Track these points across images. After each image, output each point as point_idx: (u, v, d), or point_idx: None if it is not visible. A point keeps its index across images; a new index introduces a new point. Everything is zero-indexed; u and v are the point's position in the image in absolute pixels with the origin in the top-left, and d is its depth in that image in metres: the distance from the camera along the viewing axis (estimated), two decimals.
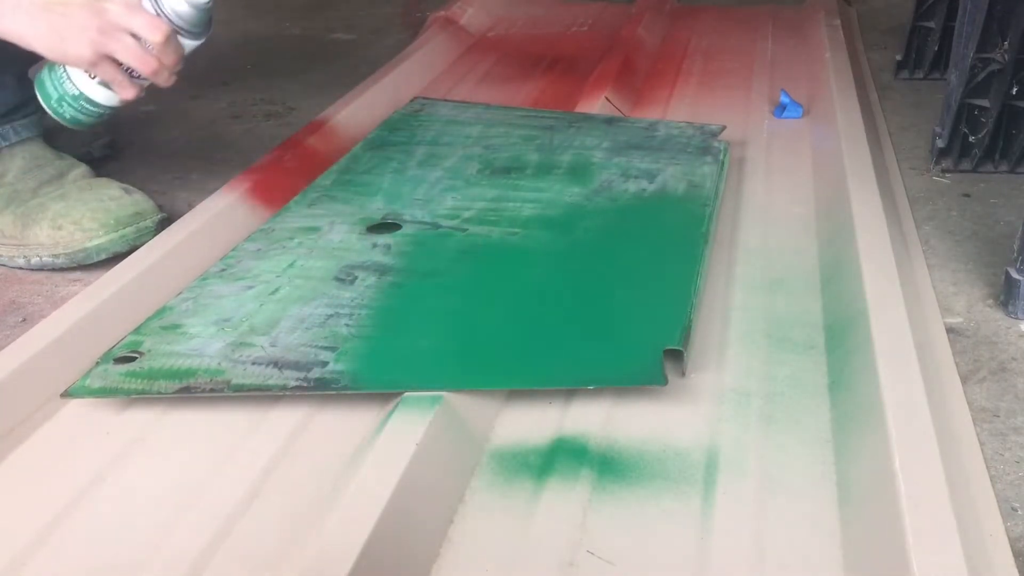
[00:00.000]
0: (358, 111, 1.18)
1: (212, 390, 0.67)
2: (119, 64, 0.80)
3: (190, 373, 0.68)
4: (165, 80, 0.83)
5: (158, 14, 0.80)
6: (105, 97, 0.85)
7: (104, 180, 0.97)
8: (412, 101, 1.21)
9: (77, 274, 0.92)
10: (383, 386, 0.67)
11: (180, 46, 0.82)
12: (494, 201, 0.92)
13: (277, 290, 0.78)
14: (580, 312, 0.74)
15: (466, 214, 0.90)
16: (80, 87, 0.84)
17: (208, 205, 0.92)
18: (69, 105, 0.85)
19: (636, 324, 0.72)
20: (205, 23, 0.84)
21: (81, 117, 0.86)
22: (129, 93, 0.83)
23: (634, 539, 0.56)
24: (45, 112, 0.87)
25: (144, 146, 1.23)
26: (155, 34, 0.79)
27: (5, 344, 0.72)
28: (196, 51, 0.85)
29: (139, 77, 0.82)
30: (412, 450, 0.58)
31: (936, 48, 1.36)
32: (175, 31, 0.81)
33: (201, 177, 1.14)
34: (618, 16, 1.69)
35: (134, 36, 0.79)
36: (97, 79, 0.83)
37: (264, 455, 0.63)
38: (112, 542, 0.56)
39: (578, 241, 0.85)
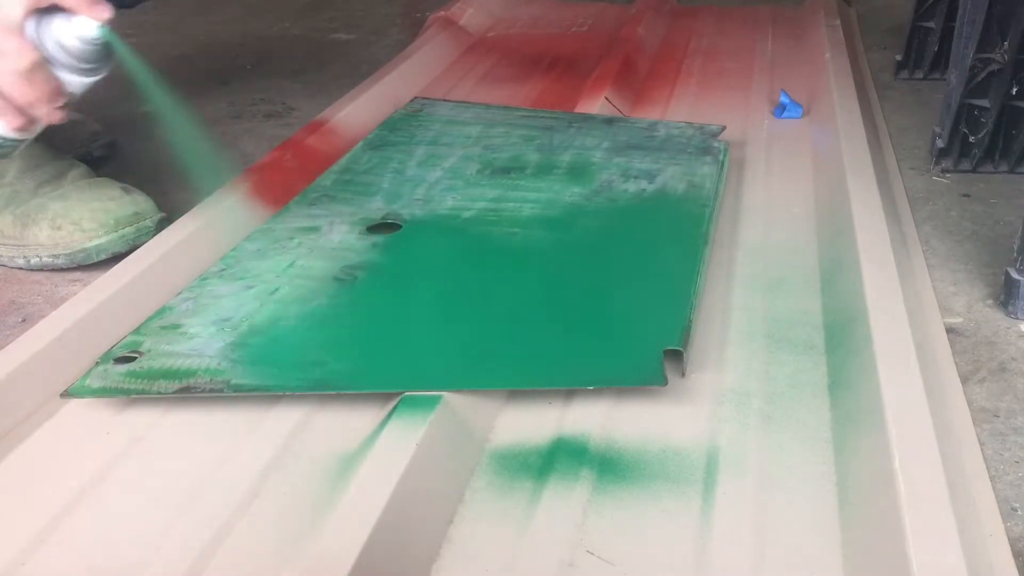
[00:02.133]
0: (358, 111, 1.18)
1: (212, 390, 0.67)
2: None
3: (190, 373, 0.68)
4: (43, 114, 0.77)
5: (36, 45, 0.74)
6: None
7: (104, 180, 0.97)
8: (412, 101, 1.22)
9: (77, 274, 0.92)
10: (383, 386, 0.67)
11: (52, 78, 0.76)
12: (494, 201, 0.92)
13: (277, 290, 0.78)
14: (580, 312, 0.74)
15: (466, 214, 0.90)
16: None
17: (208, 205, 0.92)
18: None
19: (636, 324, 0.72)
20: (97, 58, 0.77)
21: None
22: (12, 121, 0.77)
23: (634, 539, 0.56)
24: None
25: (144, 146, 1.23)
26: (19, 60, 0.73)
27: (5, 344, 0.72)
28: (92, 86, 0.79)
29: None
30: (412, 450, 0.58)
31: (936, 48, 1.36)
32: (49, 62, 0.75)
33: None
34: (618, 16, 1.69)
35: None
36: None
37: (264, 455, 0.63)
38: (112, 542, 0.57)
39: (578, 241, 0.85)
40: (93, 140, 1.16)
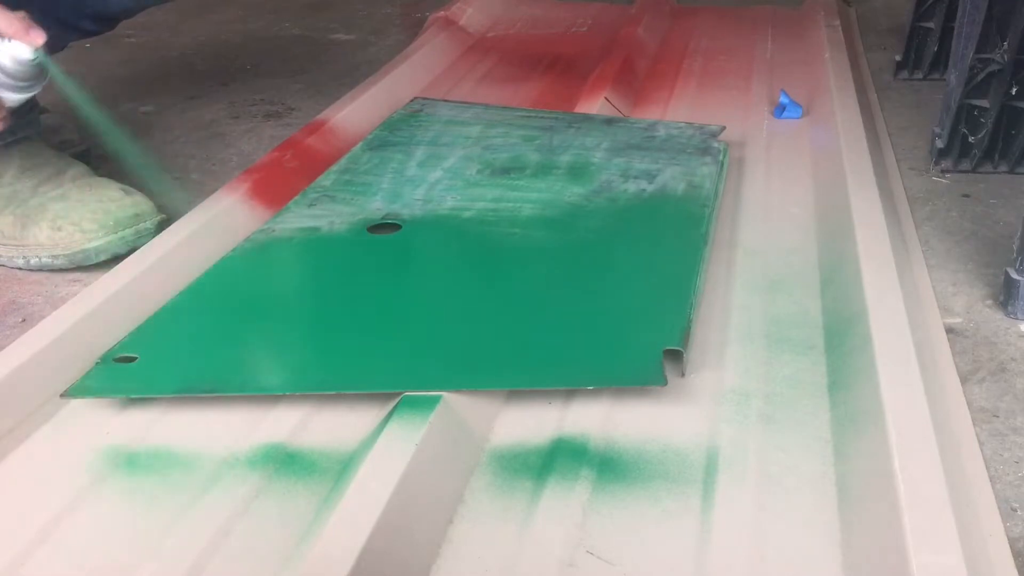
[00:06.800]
0: (358, 111, 1.18)
1: (212, 390, 0.67)
2: None
3: (190, 373, 0.68)
4: None
5: None
6: None
7: (104, 180, 0.97)
8: (412, 101, 1.22)
9: (76, 274, 0.92)
10: (383, 386, 0.67)
11: None
12: (494, 201, 0.92)
13: (277, 290, 0.78)
14: (580, 312, 0.74)
15: (466, 214, 0.90)
16: None
17: (208, 205, 0.92)
18: None
19: (636, 324, 0.72)
20: (30, 77, 0.80)
21: None
22: None
23: (634, 539, 0.56)
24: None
25: (144, 146, 1.23)
26: None
27: (5, 344, 0.72)
28: (26, 100, 0.82)
29: None
30: (412, 450, 0.58)
31: (936, 48, 1.36)
32: None
33: (201, 177, 1.14)
34: (618, 16, 1.69)
35: None
36: None
37: (264, 455, 0.63)
38: (112, 542, 0.57)
39: (578, 241, 0.85)
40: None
